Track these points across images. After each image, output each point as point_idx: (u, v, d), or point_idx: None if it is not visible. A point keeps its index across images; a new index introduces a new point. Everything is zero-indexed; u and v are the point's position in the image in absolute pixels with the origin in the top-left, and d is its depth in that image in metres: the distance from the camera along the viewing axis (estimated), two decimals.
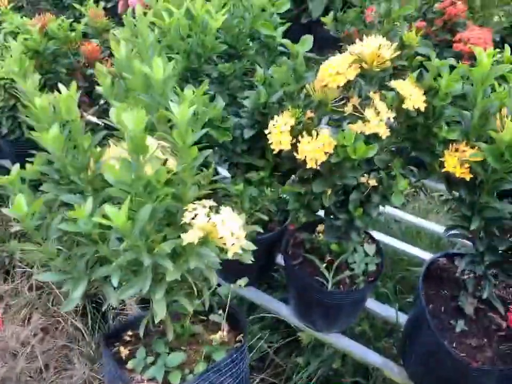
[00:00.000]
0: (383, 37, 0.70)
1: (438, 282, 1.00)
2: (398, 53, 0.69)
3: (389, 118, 0.75)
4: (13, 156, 1.48)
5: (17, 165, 0.67)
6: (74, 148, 0.67)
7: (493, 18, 1.41)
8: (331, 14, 1.81)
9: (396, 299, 1.51)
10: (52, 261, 0.69)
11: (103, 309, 2.02)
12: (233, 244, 0.62)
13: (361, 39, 0.73)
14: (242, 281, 0.96)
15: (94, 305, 1.82)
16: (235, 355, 0.82)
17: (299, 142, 0.75)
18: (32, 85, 0.73)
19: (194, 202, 0.66)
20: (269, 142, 0.77)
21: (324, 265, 1.03)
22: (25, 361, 1.86)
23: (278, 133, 0.76)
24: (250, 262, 0.73)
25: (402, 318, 1.11)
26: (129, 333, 0.88)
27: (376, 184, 0.82)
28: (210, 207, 0.65)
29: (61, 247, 0.69)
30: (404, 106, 0.75)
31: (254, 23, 0.99)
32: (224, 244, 0.63)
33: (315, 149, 0.74)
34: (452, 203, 0.85)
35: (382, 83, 0.79)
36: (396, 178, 0.79)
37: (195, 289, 0.74)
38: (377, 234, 1.37)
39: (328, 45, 2.47)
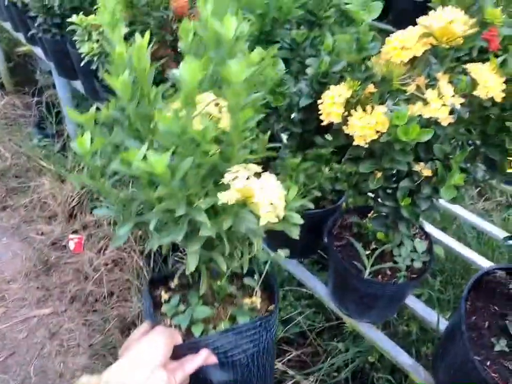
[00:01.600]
0: (464, 10, 0.63)
1: (490, 295, 0.92)
2: (474, 30, 0.62)
3: (454, 104, 0.68)
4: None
5: (94, 107, 0.73)
6: (142, 97, 0.71)
7: None
8: None
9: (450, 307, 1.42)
10: (107, 198, 0.74)
11: (148, 252, 2.16)
12: (268, 212, 0.60)
13: None
14: (284, 253, 0.96)
15: (159, 248, 1.98)
16: (259, 323, 0.83)
17: (351, 115, 0.72)
18: (118, 34, 0.78)
19: (241, 165, 0.65)
20: (320, 112, 0.75)
21: (366, 252, 1.00)
22: (94, 285, 2.09)
23: (331, 104, 0.73)
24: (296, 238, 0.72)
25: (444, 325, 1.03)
26: (176, 280, 0.92)
27: (430, 174, 0.77)
28: (256, 173, 0.63)
29: (115, 188, 0.74)
30: (475, 93, 0.68)
31: None
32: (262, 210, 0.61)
33: (366, 125, 0.70)
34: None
35: (457, 64, 0.72)
36: (452, 171, 0.72)
37: (235, 251, 0.75)
38: (436, 232, 1.28)
39: (411, 17, 2.28)
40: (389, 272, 0.97)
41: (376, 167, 0.78)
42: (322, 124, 0.77)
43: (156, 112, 0.59)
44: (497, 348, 0.82)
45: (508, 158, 0.73)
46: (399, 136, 0.66)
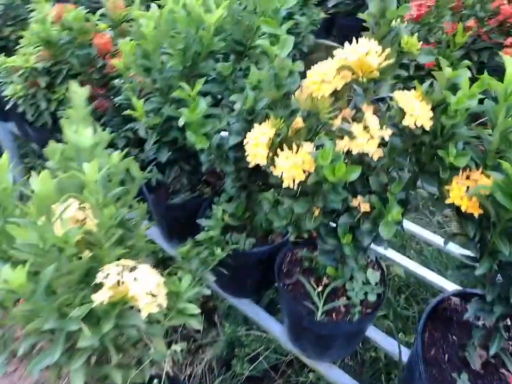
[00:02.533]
0: (380, 40, 0.59)
1: (447, 324, 0.88)
2: (390, 61, 0.58)
3: (383, 137, 0.64)
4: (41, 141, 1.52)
5: None
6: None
7: None
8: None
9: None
10: None
11: None
12: (148, 303, 0.58)
13: None
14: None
15: None
16: None
17: (277, 155, 0.67)
18: None
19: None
20: (246, 153, 0.69)
21: (317, 290, 0.94)
22: None
23: (255, 144, 0.68)
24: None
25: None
26: None
27: (368, 209, 0.72)
28: (129, 267, 0.61)
29: None
30: (404, 122, 0.64)
31: (259, 18, 0.91)
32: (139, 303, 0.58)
33: (293, 166, 0.65)
34: (461, 239, 0.73)
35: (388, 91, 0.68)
36: (389, 205, 0.68)
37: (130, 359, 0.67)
38: (395, 255, 1.24)
39: (354, 33, 2.30)
40: (343, 309, 0.92)
41: (313, 205, 0.72)
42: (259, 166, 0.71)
43: (9, 226, 0.53)
44: None
45: (445, 187, 0.69)
46: (327, 176, 0.61)
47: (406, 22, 1.31)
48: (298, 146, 0.66)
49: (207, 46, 0.86)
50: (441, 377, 0.79)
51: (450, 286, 1.15)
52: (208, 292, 0.81)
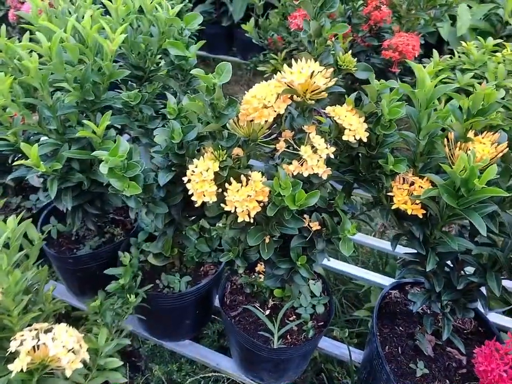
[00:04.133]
0: (316, 60, 0.58)
1: (393, 318, 0.92)
2: (334, 80, 0.58)
3: (329, 155, 0.63)
4: None
5: None
6: None
7: (419, 21, 1.36)
8: (252, 20, 1.68)
9: (343, 314, 1.42)
10: None
11: None
12: (70, 361, 0.56)
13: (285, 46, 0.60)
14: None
15: None
16: None
17: (225, 190, 0.61)
18: None
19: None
20: (190, 192, 0.62)
21: (267, 312, 0.91)
22: None
23: (200, 182, 0.61)
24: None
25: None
26: None
27: (319, 227, 0.71)
28: (43, 329, 0.59)
29: None
30: (344, 138, 0.64)
31: (162, 41, 0.83)
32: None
33: (246, 200, 0.60)
34: (404, 238, 0.76)
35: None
36: (342, 220, 0.68)
37: None
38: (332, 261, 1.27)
39: (253, 47, 2.36)
40: (295, 328, 0.90)
41: (265, 235, 0.68)
42: (192, 200, 0.65)
43: None
44: (418, 374, 0.82)
45: (385, 192, 0.72)
46: (288, 205, 0.58)
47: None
48: (247, 177, 0.62)
49: (109, 75, 0.75)
50: (401, 371, 0.83)
51: (371, 276, 1.23)
52: (127, 342, 0.78)
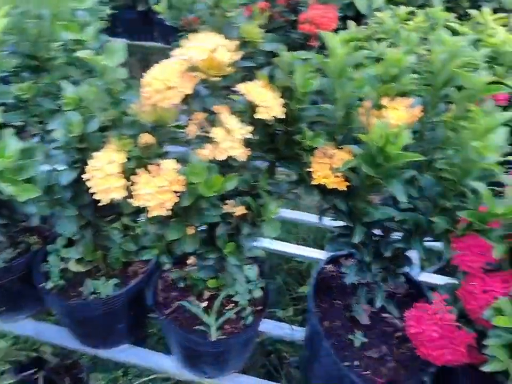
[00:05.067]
0: (218, 33, 0.54)
1: (330, 292, 0.92)
2: (239, 54, 0.54)
3: (244, 136, 0.60)
4: None
5: None
6: None
7: None
8: (164, 0, 1.59)
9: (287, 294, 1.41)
10: None
11: None
12: None
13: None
14: None
15: None
16: None
17: (134, 183, 0.56)
18: None
19: None
20: (91, 191, 0.56)
21: (203, 305, 0.87)
22: None
23: (104, 178, 0.55)
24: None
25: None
26: None
27: (244, 212, 0.68)
28: None
29: None
30: (257, 116, 0.61)
31: (55, 24, 0.75)
32: None
33: (159, 191, 0.55)
34: (330, 212, 0.76)
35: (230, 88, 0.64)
36: (265, 202, 0.65)
37: None
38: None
39: (174, 31, 2.24)
40: (234, 316, 0.87)
41: (186, 225, 0.64)
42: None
43: None
44: (357, 343, 0.83)
45: (307, 170, 0.70)
46: (203, 193, 0.54)
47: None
48: (158, 166, 0.57)
49: None
50: (341, 343, 0.83)
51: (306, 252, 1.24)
52: None
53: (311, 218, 1.39)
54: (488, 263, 0.63)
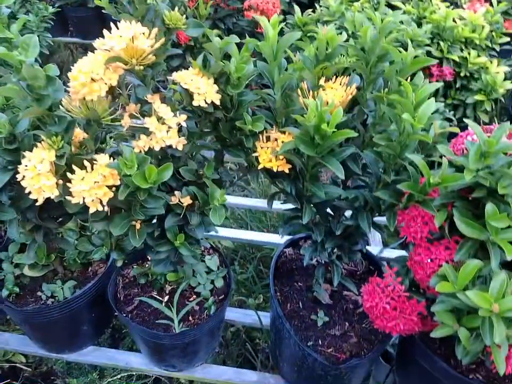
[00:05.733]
0: (139, 21, 0.53)
1: (291, 275, 0.93)
2: (162, 40, 0.53)
3: (179, 124, 0.59)
4: None
5: None
6: None
7: None
8: None
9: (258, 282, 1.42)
10: None
11: None
12: None
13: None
14: None
15: None
16: None
17: (69, 181, 0.55)
18: None
19: None
20: (26, 191, 0.55)
21: (166, 299, 0.87)
22: None
23: (36, 176, 0.54)
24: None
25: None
26: None
27: (191, 201, 0.68)
28: None
29: None
30: (194, 103, 0.60)
31: None
32: None
33: (95, 187, 0.54)
34: (279, 195, 0.76)
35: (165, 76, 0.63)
36: (211, 191, 0.65)
37: None
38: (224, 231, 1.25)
39: (91, 25, 2.19)
40: (197, 307, 0.87)
41: (131, 220, 0.63)
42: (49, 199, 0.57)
43: None
44: (319, 323, 0.84)
45: (253, 155, 0.70)
46: (139, 184, 0.53)
47: None
48: (91, 162, 0.56)
49: None
50: (304, 324, 0.84)
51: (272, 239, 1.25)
52: None
53: (276, 206, 1.39)
54: (431, 232, 0.64)
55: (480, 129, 0.56)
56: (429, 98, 0.59)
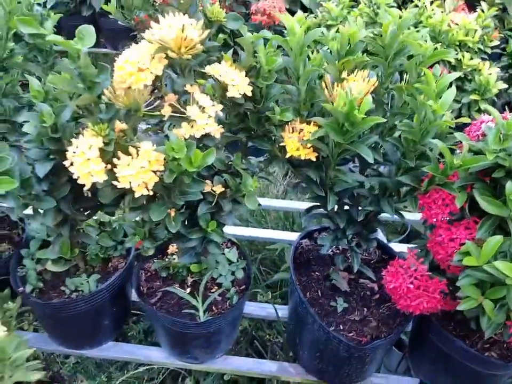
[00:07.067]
0: (184, 14, 0.56)
1: (308, 265, 0.96)
2: (207, 32, 0.56)
3: (216, 112, 0.62)
4: None
5: None
6: None
7: None
8: (113, 0, 1.58)
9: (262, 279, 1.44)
10: None
11: None
12: None
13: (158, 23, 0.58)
14: None
15: None
16: None
17: (116, 166, 0.57)
18: None
19: None
20: (75, 176, 0.57)
21: (188, 290, 0.89)
22: None
23: (85, 162, 0.56)
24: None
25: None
26: None
27: (223, 189, 0.70)
28: None
29: None
30: (229, 94, 0.64)
31: (11, 22, 0.74)
32: None
33: (141, 171, 0.57)
34: (303, 185, 0.79)
35: (198, 71, 0.66)
36: (242, 178, 0.68)
37: None
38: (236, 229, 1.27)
39: (123, 36, 2.19)
40: (219, 298, 0.89)
41: (168, 207, 0.66)
42: (83, 187, 0.59)
43: None
44: (339, 309, 0.87)
45: (278, 144, 0.73)
46: (186, 168, 0.56)
47: None
48: (136, 148, 0.58)
49: None
50: (324, 311, 0.87)
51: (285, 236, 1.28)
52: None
53: (278, 204, 1.43)
54: (451, 213, 0.69)
55: (498, 114, 0.61)
56: (448, 87, 0.64)
